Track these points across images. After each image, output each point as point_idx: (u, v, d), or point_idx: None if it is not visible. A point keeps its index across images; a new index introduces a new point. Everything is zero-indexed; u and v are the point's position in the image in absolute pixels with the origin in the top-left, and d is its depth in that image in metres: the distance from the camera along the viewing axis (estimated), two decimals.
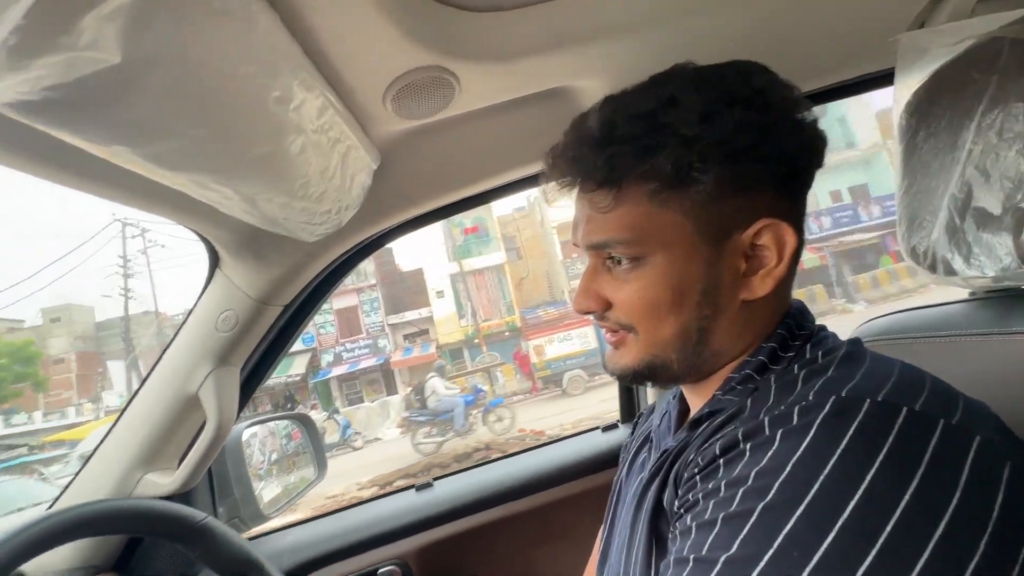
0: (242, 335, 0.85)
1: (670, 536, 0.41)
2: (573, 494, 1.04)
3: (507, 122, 0.78)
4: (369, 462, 9.05)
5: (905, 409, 0.33)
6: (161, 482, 0.84)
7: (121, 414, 0.86)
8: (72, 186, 0.56)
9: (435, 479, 1.11)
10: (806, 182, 0.46)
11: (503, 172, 0.86)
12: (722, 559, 0.32)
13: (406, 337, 18.20)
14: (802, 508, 0.31)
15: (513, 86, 0.69)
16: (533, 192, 0.96)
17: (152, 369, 0.86)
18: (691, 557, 0.35)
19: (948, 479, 0.31)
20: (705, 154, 0.41)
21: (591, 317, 0.49)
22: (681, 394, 0.56)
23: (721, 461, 0.38)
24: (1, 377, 13.78)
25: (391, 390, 16.96)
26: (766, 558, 0.31)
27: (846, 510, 0.30)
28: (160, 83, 0.39)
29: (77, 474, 0.86)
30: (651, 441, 0.57)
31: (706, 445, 0.40)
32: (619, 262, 0.46)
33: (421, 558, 0.99)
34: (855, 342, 0.43)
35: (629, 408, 1.18)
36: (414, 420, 9.20)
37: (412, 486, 1.10)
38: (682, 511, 0.39)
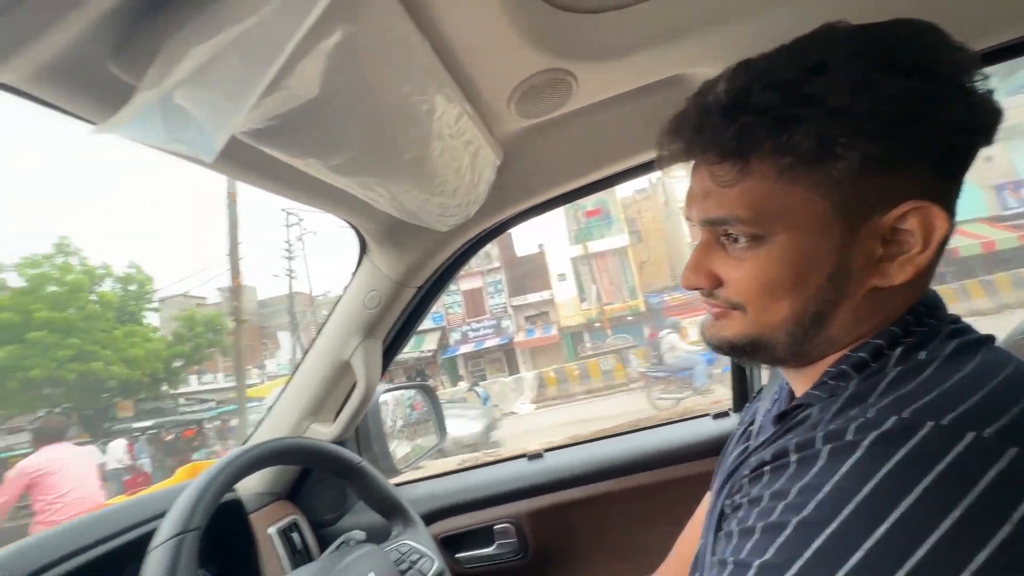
0: (384, 312, 0.99)
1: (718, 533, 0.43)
2: (677, 477, 1.06)
3: (621, 113, 0.81)
4: (508, 434, 9.39)
5: (971, 435, 0.31)
6: (323, 430, 1.02)
7: (293, 374, 1.06)
8: (267, 189, 0.71)
9: (546, 450, 1.19)
10: (967, 161, 0.39)
11: (618, 161, 0.89)
12: (756, 564, 0.34)
13: (527, 319, 18.76)
14: (834, 526, 0.31)
15: (628, 79, 0.72)
16: (656, 174, 0.96)
17: (315, 339, 1.04)
18: (730, 560, 0.37)
19: (996, 514, 0.29)
20: (853, 128, 0.36)
21: (700, 294, 0.47)
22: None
23: (767, 468, 0.39)
24: (199, 343, 16.69)
25: (512, 369, 17.52)
26: (795, 568, 0.32)
27: (876, 533, 0.30)
28: (343, 108, 0.50)
29: (262, 420, 1.07)
30: (754, 427, 0.57)
31: (773, 444, 0.41)
32: (736, 240, 0.42)
33: (532, 520, 1.08)
34: (975, 341, 0.39)
35: (742, 396, 1.15)
36: (651, 376, 9.23)
37: (524, 455, 1.19)
38: (728, 512, 0.41)
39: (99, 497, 3.51)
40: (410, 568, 0.75)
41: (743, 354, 0.46)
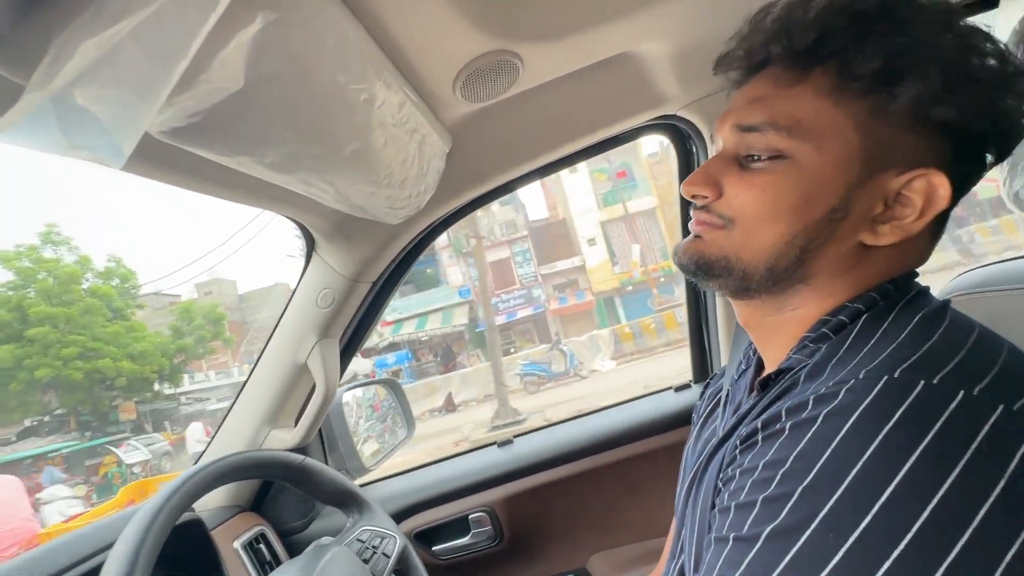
0: (339, 310, 0.95)
1: (713, 510, 0.41)
2: (646, 451, 1.08)
3: (570, 92, 0.80)
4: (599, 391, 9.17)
5: (962, 393, 0.32)
6: (284, 437, 0.98)
7: (246, 381, 1.00)
8: (199, 191, 0.66)
9: (515, 436, 1.19)
10: (993, 144, 0.40)
11: (570, 141, 0.88)
12: (763, 533, 0.33)
13: (556, 287, 18.30)
14: (841, 490, 0.31)
15: (575, 59, 0.71)
16: (664, 139, 0.94)
17: (267, 342, 0.99)
18: (731, 536, 0.35)
19: (994, 468, 0.30)
20: (918, 67, 0.36)
21: (693, 207, 0.46)
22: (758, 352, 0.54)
23: (760, 437, 0.37)
24: (201, 335, 15.67)
25: (544, 339, 17.02)
26: (803, 538, 0.31)
27: (885, 493, 0.30)
28: (274, 100, 0.46)
29: (216, 431, 1.02)
30: (725, 401, 0.56)
31: (763, 412, 0.40)
32: (756, 159, 0.42)
33: (506, 506, 1.09)
34: (942, 306, 0.40)
35: (702, 368, 1.18)
36: None
37: (494, 443, 1.19)
38: (720, 485, 0.40)
39: (33, 526, 3.31)
40: (374, 553, 0.74)
41: (711, 276, 0.45)
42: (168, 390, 15.72)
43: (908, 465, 0.30)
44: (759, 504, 0.34)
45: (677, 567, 0.52)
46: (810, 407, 0.35)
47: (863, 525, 0.29)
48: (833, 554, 0.30)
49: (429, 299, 18.57)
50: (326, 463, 1.16)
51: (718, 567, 0.35)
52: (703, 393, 0.69)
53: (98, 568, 0.51)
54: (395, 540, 0.76)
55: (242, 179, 0.62)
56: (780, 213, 0.41)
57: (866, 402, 0.33)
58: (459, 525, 1.10)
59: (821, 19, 0.39)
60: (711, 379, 0.71)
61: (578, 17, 0.62)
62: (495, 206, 18.56)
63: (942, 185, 0.38)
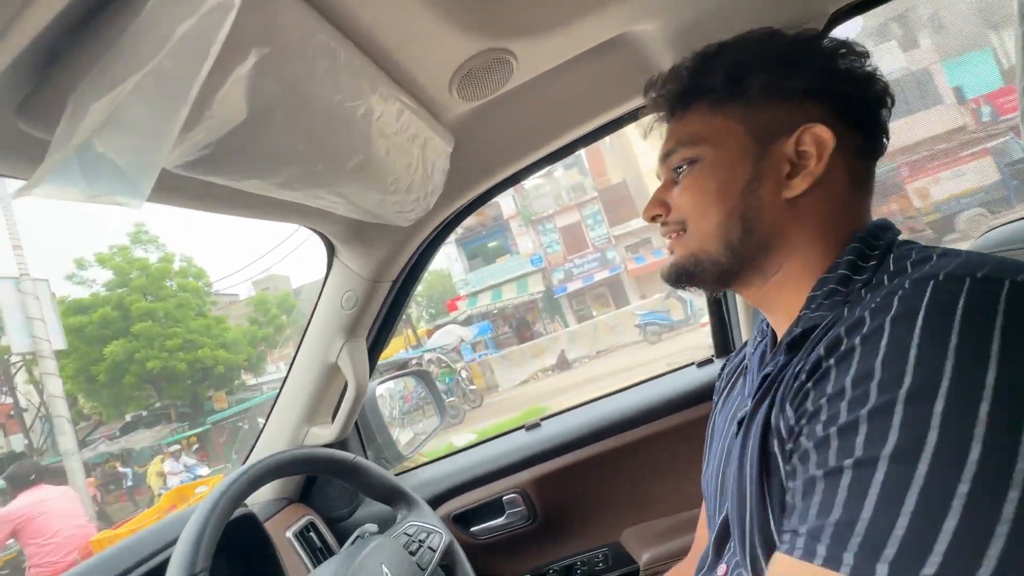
0: (363, 310, 0.99)
1: (790, 454, 0.40)
2: (671, 427, 1.10)
3: (568, 80, 0.79)
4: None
5: (1008, 281, 0.34)
6: (322, 433, 1.04)
7: (283, 383, 1.06)
8: (220, 212, 0.70)
9: (542, 419, 1.22)
10: (859, 100, 0.50)
11: (573, 127, 0.88)
12: (883, 456, 0.31)
13: (629, 248, 18.00)
14: (946, 384, 0.31)
15: (569, 47, 0.70)
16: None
17: (299, 346, 1.04)
18: (845, 463, 0.33)
19: None
20: (753, 66, 0.50)
21: (659, 227, 0.57)
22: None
23: (832, 361, 0.37)
24: (279, 324, 16.24)
25: (620, 302, 16.82)
26: (931, 444, 0.30)
27: (989, 374, 0.30)
28: (277, 126, 0.48)
29: (261, 431, 1.09)
30: (747, 371, 0.59)
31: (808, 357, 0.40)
32: (680, 170, 0.53)
33: (537, 486, 1.12)
34: (947, 249, 0.42)
35: (724, 342, 1.18)
36: None
37: (522, 426, 1.23)
38: (803, 423, 0.38)
39: (88, 531, 3.50)
40: (420, 547, 0.78)
41: (691, 276, 0.53)
42: (251, 380, 16.52)
43: (996, 342, 0.31)
44: (864, 421, 0.33)
45: (714, 541, 0.55)
46: (869, 320, 0.36)
47: (984, 410, 0.30)
48: (966, 450, 0.29)
49: (501, 270, 18.53)
50: (364, 455, 1.23)
51: (840, 502, 0.33)
52: (721, 373, 0.70)
53: (163, 564, 0.56)
54: (441, 536, 0.80)
55: (258, 198, 0.65)
56: (710, 199, 0.51)
57: (925, 301, 0.34)
58: (494, 506, 1.14)
59: (686, 70, 0.54)
60: (729, 358, 0.72)
61: (567, 6, 0.62)
62: (559, 170, 18.33)
63: (823, 131, 0.47)
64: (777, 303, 0.52)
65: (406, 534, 0.80)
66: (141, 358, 12.32)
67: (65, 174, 0.37)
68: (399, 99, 0.61)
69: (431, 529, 0.81)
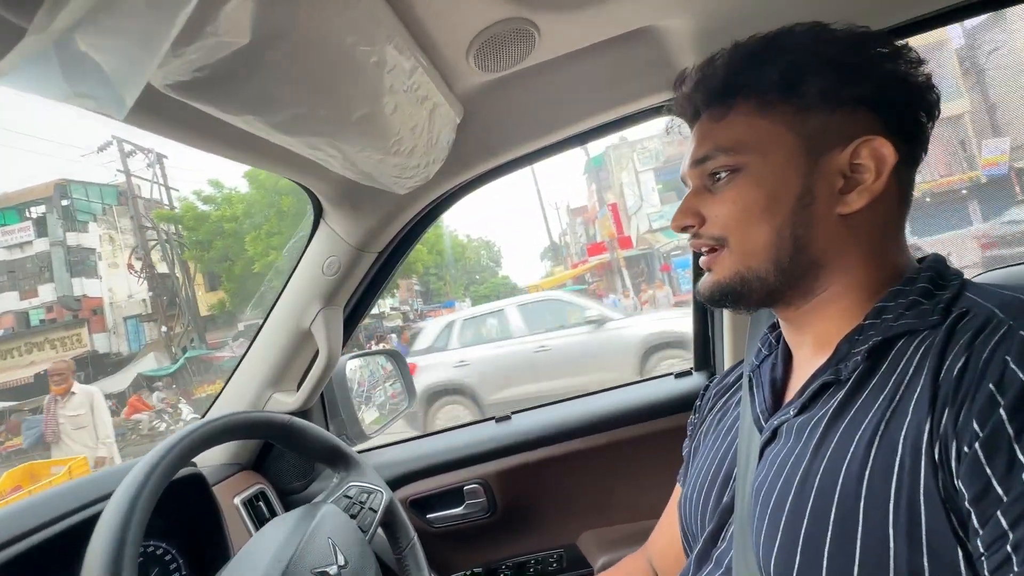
0: (344, 279, 0.95)
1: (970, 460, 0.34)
2: (642, 434, 1.09)
3: (587, 68, 0.77)
4: None
5: None
6: (286, 400, 0.99)
7: (252, 343, 1.02)
8: (205, 149, 0.65)
9: (513, 413, 1.20)
10: (915, 123, 0.47)
11: (584, 118, 0.86)
12: None
13: None
14: None
15: (595, 31, 0.68)
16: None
17: (273, 306, 1.00)
18: None
19: None
20: (813, 67, 0.46)
21: (688, 239, 0.53)
22: (783, 340, 0.55)
23: (981, 370, 0.35)
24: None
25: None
26: None
27: None
28: (281, 58, 0.45)
29: (222, 390, 1.04)
30: (755, 385, 0.56)
31: (929, 366, 0.38)
32: (718, 179, 0.49)
33: (500, 479, 1.10)
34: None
35: (704, 356, 1.18)
36: None
37: (492, 418, 1.20)
38: (982, 432, 0.34)
39: None
40: (361, 509, 0.74)
41: (736, 297, 0.49)
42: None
43: None
44: None
45: (697, 554, 0.54)
46: (985, 333, 0.37)
47: None
48: None
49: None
50: (327, 428, 1.19)
51: None
52: (705, 393, 0.69)
53: (95, 517, 0.52)
54: (381, 494, 0.77)
55: (249, 139, 0.61)
56: (757, 214, 0.47)
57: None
58: (453, 495, 1.12)
59: (727, 65, 0.49)
60: (715, 380, 0.71)
61: None
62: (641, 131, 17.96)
63: (884, 145, 0.44)
64: (812, 321, 0.49)
65: (346, 496, 0.76)
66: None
67: (42, 66, 0.33)
68: (414, 55, 0.58)
69: (371, 488, 0.77)
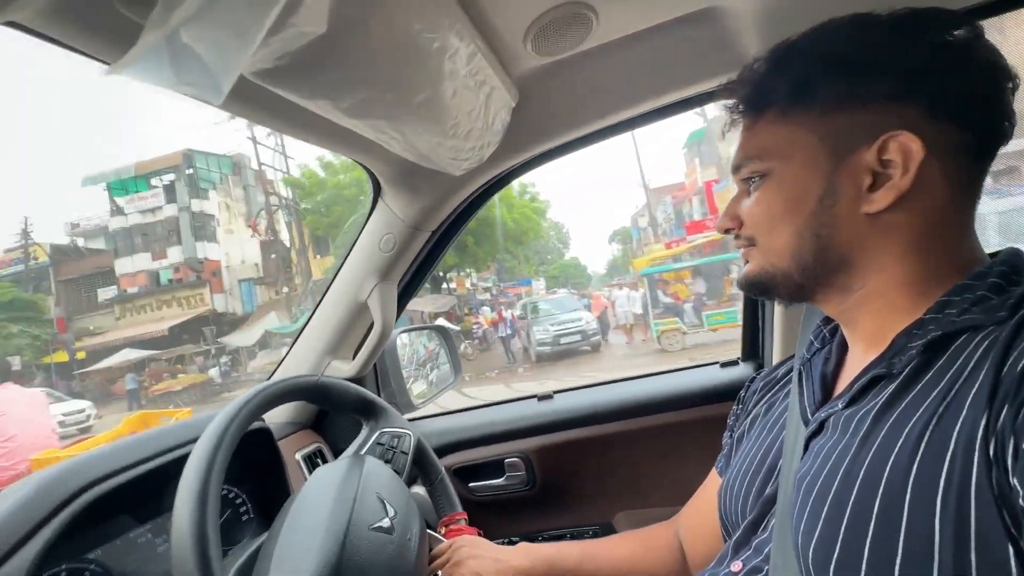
0: (399, 255, 1.00)
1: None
2: (683, 420, 1.09)
3: (645, 50, 0.77)
4: None
5: None
6: (343, 367, 1.07)
7: (312, 312, 1.09)
8: (281, 131, 0.71)
9: (555, 392, 1.23)
10: (944, 99, 0.43)
11: (640, 102, 0.85)
12: None
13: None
14: None
15: (653, 13, 0.68)
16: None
17: (333, 279, 1.06)
18: None
19: None
20: (822, 71, 0.46)
21: (734, 238, 0.55)
22: (840, 336, 0.54)
23: None
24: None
25: None
26: None
27: None
28: (353, 46, 0.48)
29: (285, 356, 1.13)
30: (805, 377, 0.56)
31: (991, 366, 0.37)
32: (752, 183, 0.51)
33: (540, 455, 1.14)
34: None
35: (752, 347, 1.16)
36: None
37: (535, 395, 1.24)
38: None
39: (51, 442, 3.20)
40: (394, 453, 0.80)
41: (763, 289, 0.53)
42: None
43: None
44: None
45: (736, 540, 0.55)
46: None
47: None
48: None
49: None
50: (379, 395, 1.26)
51: None
52: (750, 385, 0.69)
53: (183, 457, 0.59)
54: (409, 437, 0.81)
55: (320, 122, 0.65)
56: (779, 216, 0.49)
57: None
58: (495, 467, 1.17)
59: (755, 74, 0.50)
60: (762, 374, 0.71)
61: None
62: None
63: (909, 140, 0.42)
64: (858, 317, 0.49)
65: (379, 444, 0.81)
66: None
67: (154, 60, 0.37)
68: (474, 41, 0.60)
69: (400, 432, 0.82)
